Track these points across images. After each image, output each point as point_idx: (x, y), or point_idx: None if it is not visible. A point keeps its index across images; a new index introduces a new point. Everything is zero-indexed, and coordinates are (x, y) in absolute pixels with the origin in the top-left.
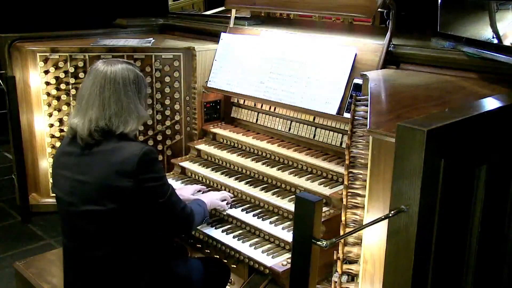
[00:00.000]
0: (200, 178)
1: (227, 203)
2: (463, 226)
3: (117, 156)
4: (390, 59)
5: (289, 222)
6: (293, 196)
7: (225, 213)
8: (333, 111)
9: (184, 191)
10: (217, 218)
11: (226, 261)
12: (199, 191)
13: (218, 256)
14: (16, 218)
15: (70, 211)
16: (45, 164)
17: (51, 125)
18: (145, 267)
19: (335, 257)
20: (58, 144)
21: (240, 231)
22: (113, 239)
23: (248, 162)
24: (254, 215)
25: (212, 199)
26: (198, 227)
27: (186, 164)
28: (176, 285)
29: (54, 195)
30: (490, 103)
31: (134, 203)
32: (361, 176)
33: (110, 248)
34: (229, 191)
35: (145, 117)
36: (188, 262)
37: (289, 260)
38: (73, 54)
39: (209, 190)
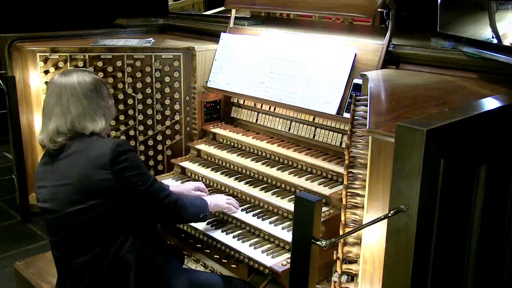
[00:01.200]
0: (200, 178)
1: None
2: (463, 226)
3: (91, 152)
4: (390, 59)
5: (289, 222)
6: (293, 196)
7: (231, 214)
8: (333, 111)
9: (185, 185)
10: (217, 218)
11: (226, 261)
12: (199, 190)
13: (218, 256)
14: (16, 218)
15: (55, 218)
16: None
17: None
18: (137, 269)
19: (334, 257)
20: None
21: (240, 231)
22: (101, 239)
23: (248, 162)
24: (254, 215)
25: (216, 200)
26: (199, 228)
27: (186, 164)
28: None
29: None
30: (490, 103)
31: (117, 195)
32: (360, 176)
33: (98, 249)
34: (229, 191)
35: (112, 112)
36: (195, 273)
37: (289, 260)
38: (73, 54)
39: (210, 191)
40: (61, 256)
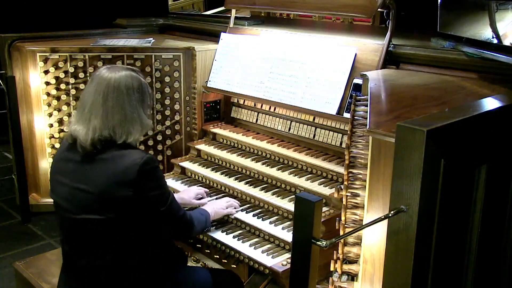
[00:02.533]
0: (200, 178)
1: (234, 208)
2: (463, 226)
3: (117, 165)
4: (390, 59)
5: (289, 222)
6: (293, 196)
7: (233, 216)
8: (333, 111)
9: (185, 193)
10: (217, 218)
11: (226, 261)
12: (202, 197)
13: (218, 256)
14: (16, 218)
15: (68, 218)
16: (45, 164)
17: (51, 125)
18: (144, 276)
19: (335, 257)
20: (58, 144)
21: (240, 231)
22: (109, 247)
23: (248, 162)
24: (254, 215)
25: (216, 209)
26: None
27: (186, 164)
28: None
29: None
30: (490, 103)
31: (134, 211)
32: (361, 176)
33: (106, 256)
34: (229, 191)
35: (148, 126)
36: (195, 273)
37: (289, 260)
38: (73, 54)
39: (211, 195)
40: (67, 252)
